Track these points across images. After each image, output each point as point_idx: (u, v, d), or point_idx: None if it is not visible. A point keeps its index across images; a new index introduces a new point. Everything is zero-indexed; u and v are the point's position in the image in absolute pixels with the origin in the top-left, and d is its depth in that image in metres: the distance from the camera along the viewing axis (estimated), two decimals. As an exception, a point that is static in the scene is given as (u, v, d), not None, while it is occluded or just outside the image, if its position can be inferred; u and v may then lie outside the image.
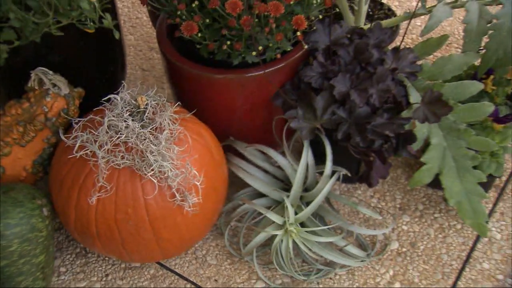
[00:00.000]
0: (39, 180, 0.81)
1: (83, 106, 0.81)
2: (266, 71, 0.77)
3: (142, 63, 1.18)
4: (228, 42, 0.74)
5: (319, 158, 0.83)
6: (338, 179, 0.87)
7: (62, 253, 0.86)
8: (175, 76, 0.84)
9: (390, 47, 0.87)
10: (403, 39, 0.83)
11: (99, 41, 0.85)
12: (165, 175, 0.67)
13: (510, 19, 0.81)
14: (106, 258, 0.85)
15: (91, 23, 0.64)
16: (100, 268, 0.84)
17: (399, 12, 1.25)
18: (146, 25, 1.26)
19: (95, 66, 0.90)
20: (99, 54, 0.88)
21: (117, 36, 0.63)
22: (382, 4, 1.05)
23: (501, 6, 0.82)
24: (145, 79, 1.15)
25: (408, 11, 0.99)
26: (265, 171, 0.83)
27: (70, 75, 0.80)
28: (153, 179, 0.67)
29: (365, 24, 0.99)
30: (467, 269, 0.79)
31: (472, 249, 0.81)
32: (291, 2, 0.72)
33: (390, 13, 1.03)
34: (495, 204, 0.86)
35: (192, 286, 0.80)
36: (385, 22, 0.97)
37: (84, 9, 0.61)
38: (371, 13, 1.04)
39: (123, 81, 0.74)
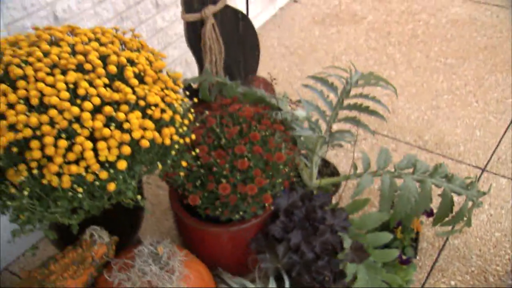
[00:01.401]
0: (81, 301, 1.13)
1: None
2: (245, 226, 1.14)
3: (151, 198, 1.54)
4: (220, 209, 1.11)
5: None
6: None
7: None
8: (181, 225, 1.21)
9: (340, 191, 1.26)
10: (339, 198, 1.21)
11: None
12: (175, 305, 1.01)
13: (408, 191, 1.20)
14: None
15: (131, 202, 1.00)
16: None
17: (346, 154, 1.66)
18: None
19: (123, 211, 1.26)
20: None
21: (142, 203, 1.00)
22: (329, 163, 1.45)
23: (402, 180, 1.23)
24: (153, 211, 1.50)
25: (350, 169, 1.39)
26: (243, 295, 1.17)
27: (106, 219, 1.16)
28: (167, 308, 1.00)
29: (317, 179, 1.38)
30: None
31: None
32: (262, 185, 1.10)
33: (335, 171, 1.43)
34: (405, 319, 1.20)
35: None
36: (329, 180, 1.36)
37: (128, 196, 0.98)
38: (320, 170, 1.43)
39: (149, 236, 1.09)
